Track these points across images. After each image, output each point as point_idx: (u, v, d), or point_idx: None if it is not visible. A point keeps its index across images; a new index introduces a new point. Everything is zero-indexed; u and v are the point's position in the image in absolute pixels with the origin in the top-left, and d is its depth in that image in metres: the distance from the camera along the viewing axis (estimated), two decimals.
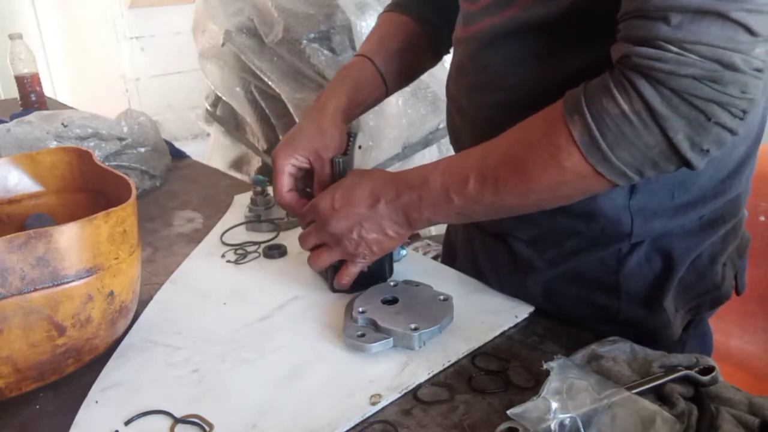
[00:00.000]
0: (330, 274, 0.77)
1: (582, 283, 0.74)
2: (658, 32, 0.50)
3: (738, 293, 0.80)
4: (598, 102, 0.53)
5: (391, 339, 0.66)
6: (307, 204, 0.75)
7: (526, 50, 0.67)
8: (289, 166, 0.79)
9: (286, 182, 0.79)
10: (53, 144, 1.09)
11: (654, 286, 0.72)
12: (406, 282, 0.75)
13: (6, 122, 1.14)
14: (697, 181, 0.68)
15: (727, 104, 0.50)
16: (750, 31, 0.48)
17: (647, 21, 0.50)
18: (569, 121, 0.55)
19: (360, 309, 0.69)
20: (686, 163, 0.54)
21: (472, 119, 0.77)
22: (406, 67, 0.90)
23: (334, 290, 0.78)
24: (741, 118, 0.52)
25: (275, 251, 0.89)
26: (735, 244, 0.77)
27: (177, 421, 0.57)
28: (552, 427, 0.48)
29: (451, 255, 0.96)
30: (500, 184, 0.61)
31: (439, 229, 1.98)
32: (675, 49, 0.49)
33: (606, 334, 0.70)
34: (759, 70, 0.50)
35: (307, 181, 0.81)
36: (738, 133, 0.53)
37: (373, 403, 0.58)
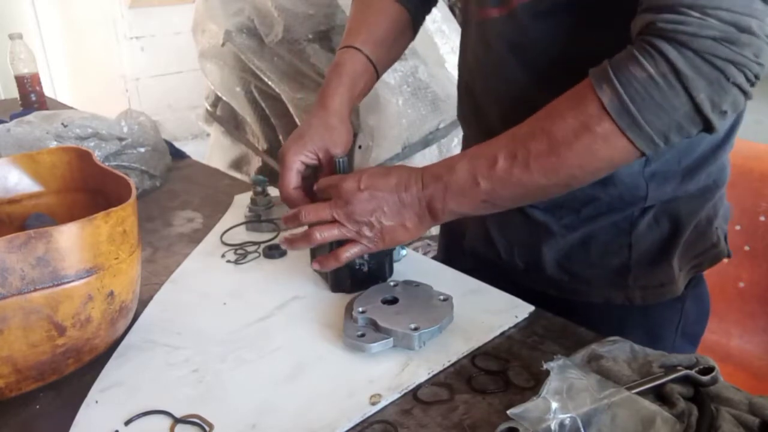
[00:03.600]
0: (330, 275, 0.77)
1: (596, 246, 0.78)
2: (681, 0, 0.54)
3: (727, 256, 0.85)
4: (625, 69, 0.57)
5: (391, 339, 0.66)
6: (323, 186, 0.75)
7: (559, 28, 0.69)
8: (298, 163, 0.79)
9: (293, 179, 0.79)
10: (53, 144, 1.09)
11: (662, 245, 0.77)
12: (406, 282, 0.75)
13: (6, 122, 1.14)
14: (698, 146, 0.74)
15: (743, 65, 0.54)
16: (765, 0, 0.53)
17: None
18: (598, 90, 0.58)
19: (360, 309, 0.69)
20: (707, 125, 0.57)
21: (502, 98, 0.78)
22: (392, 50, 0.92)
23: (334, 290, 0.78)
24: (752, 83, 0.56)
25: (275, 251, 0.89)
26: (722, 211, 0.83)
27: (177, 421, 0.57)
28: (552, 427, 0.48)
29: (455, 236, 0.96)
30: (531, 158, 0.62)
31: (439, 229, 1.98)
32: (696, 14, 0.53)
33: (612, 300, 0.78)
34: None
35: (313, 181, 0.81)
36: (751, 97, 0.56)
37: (373, 403, 0.58)
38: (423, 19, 0.96)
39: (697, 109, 0.56)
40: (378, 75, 0.90)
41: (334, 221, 0.71)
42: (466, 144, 0.95)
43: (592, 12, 0.67)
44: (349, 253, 0.71)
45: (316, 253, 0.77)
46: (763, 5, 0.53)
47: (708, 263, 0.82)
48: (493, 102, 0.81)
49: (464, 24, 0.87)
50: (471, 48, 0.84)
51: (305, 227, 0.74)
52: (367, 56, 0.87)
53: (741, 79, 0.55)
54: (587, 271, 0.79)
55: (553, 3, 0.69)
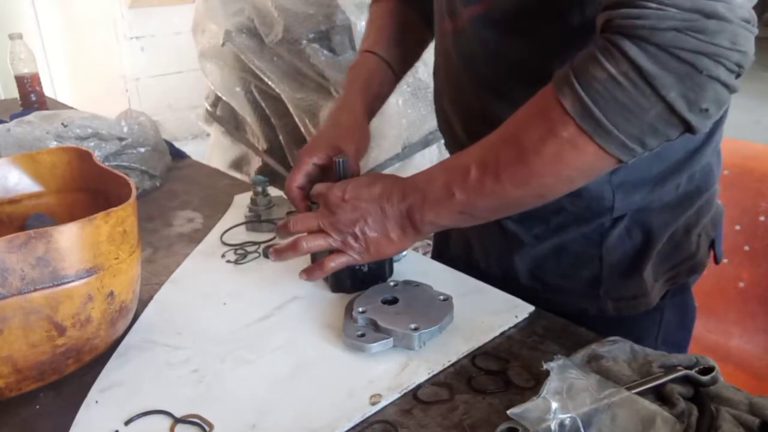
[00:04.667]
0: (330, 275, 0.77)
1: (567, 257, 0.78)
2: None
3: (716, 262, 0.84)
4: (586, 70, 0.53)
5: (391, 339, 0.66)
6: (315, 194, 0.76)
7: (507, 39, 0.69)
8: (308, 164, 0.80)
9: (298, 178, 0.80)
10: (53, 144, 1.09)
11: (634, 257, 0.76)
12: (406, 282, 0.75)
13: (6, 122, 1.14)
14: (672, 151, 0.71)
15: (718, 56, 0.49)
16: None
17: None
18: (560, 94, 0.54)
19: (360, 309, 0.69)
20: (687, 126, 0.52)
21: (463, 109, 0.80)
22: (409, 50, 0.93)
23: (334, 290, 0.78)
24: (736, 73, 0.51)
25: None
26: (710, 216, 0.80)
27: (177, 421, 0.57)
28: (552, 427, 0.48)
29: (443, 241, 0.98)
30: (501, 167, 0.59)
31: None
32: (654, 5, 0.49)
33: (586, 311, 0.77)
34: (747, 21, 0.49)
35: (322, 181, 0.82)
36: (737, 90, 0.51)
37: (373, 403, 0.58)
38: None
39: (671, 109, 0.51)
40: (396, 73, 0.91)
41: (320, 231, 0.71)
42: (447, 150, 0.97)
43: (544, 21, 0.66)
44: (334, 263, 0.71)
45: (316, 258, 0.78)
46: None
47: (685, 274, 0.80)
48: (457, 113, 0.82)
49: (435, 34, 0.88)
50: (437, 58, 0.86)
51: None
52: (380, 57, 0.88)
53: (719, 71, 0.49)
54: (559, 282, 0.80)
55: (503, 13, 0.68)
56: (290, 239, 0.72)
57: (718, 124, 0.74)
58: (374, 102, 0.88)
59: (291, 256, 0.72)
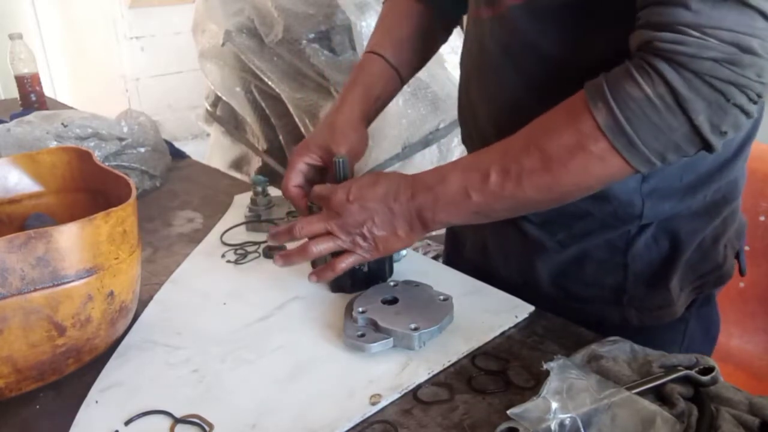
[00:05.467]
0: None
1: (590, 264, 0.76)
2: (678, 18, 0.52)
3: (741, 273, 0.83)
4: (621, 88, 0.55)
5: (391, 339, 0.66)
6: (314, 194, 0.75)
7: (551, 31, 0.68)
8: (301, 164, 0.81)
9: (294, 177, 0.80)
10: (53, 144, 1.09)
11: (661, 266, 0.74)
12: (406, 282, 0.75)
13: (6, 122, 1.14)
14: (702, 162, 0.70)
15: (745, 86, 0.52)
16: (764, 16, 0.51)
17: (667, 7, 0.53)
18: (593, 107, 0.56)
19: (360, 309, 0.69)
20: (707, 145, 0.55)
21: (493, 99, 0.77)
22: (417, 52, 0.91)
23: (334, 290, 0.78)
24: (755, 102, 0.54)
25: (275, 251, 0.89)
26: (734, 227, 0.79)
27: (177, 421, 0.57)
28: (552, 427, 0.48)
29: (456, 245, 0.96)
30: (524, 175, 0.60)
31: (440, 230, 1.98)
32: (696, 34, 0.51)
33: (608, 320, 0.75)
34: None
35: (318, 182, 0.82)
36: (754, 116, 0.55)
37: (373, 403, 0.58)
38: (456, 15, 0.93)
39: (696, 130, 0.54)
40: (402, 77, 0.89)
41: (328, 233, 0.71)
42: (463, 142, 0.95)
43: (585, 16, 0.65)
44: (344, 263, 0.71)
45: (316, 261, 0.78)
46: (764, 23, 0.51)
47: (712, 285, 0.79)
48: (486, 102, 0.80)
49: (467, 20, 0.86)
50: (468, 46, 0.83)
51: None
52: (386, 60, 0.87)
53: (743, 100, 0.53)
54: (582, 289, 0.78)
55: (545, 6, 0.67)
56: (299, 244, 0.72)
57: (749, 137, 0.74)
58: (374, 106, 0.86)
59: (300, 261, 0.73)
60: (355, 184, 0.70)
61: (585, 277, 0.77)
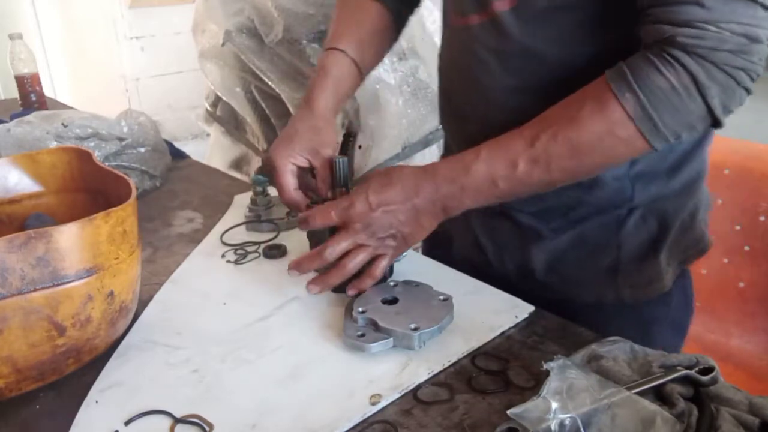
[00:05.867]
0: None
1: (586, 246, 0.80)
2: (696, 15, 0.58)
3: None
4: (647, 77, 0.61)
5: (391, 339, 0.66)
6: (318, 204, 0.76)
7: (542, 34, 0.71)
8: (290, 165, 0.80)
9: (291, 181, 0.80)
10: (53, 144, 1.09)
11: (650, 243, 0.79)
12: (406, 282, 0.75)
13: (6, 122, 1.14)
14: (680, 144, 0.76)
15: (751, 70, 0.60)
16: (765, 7, 0.58)
17: (683, 6, 0.58)
18: (620, 97, 0.61)
19: (360, 309, 0.69)
20: (716, 123, 0.63)
21: (484, 104, 0.79)
22: (376, 52, 0.93)
23: (334, 290, 0.78)
24: (754, 80, 0.61)
25: (275, 251, 0.89)
26: (705, 203, 0.85)
27: (177, 421, 0.57)
28: (552, 427, 0.48)
29: (442, 241, 0.95)
30: (552, 162, 0.65)
31: None
32: (713, 29, 0.58)
33: (603, 300, 0.80)
34: None
35: (304, 182, 0.83)
36: (752, 93, 0.62)
37: (373, 403, 0.58)
38: (406, 19, 0.96)
39: (710, 111, 0.61)
40: (362, 74, 0.90)
41: (358, 246, 0.71)
42: (446, 152, 0.96)
43: (573, 17, 0.68)
44: (380, 267, 0.73)
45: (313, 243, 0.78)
46: (764, 12, 0.58)
47: (694, 257, 0.84)
48: (474, 108, 0.81)
49: (443, 29, 0.87)
50: (449, 54, 0.85)
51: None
52: (351, 58, 0.87)
53: (748, 82, 0.60)
54: (577, 272, 0.81)
55: (534, 9, 0.70)
56: (330, 265, 0.72)
57: None
58: (340, 103, 0.88)
59: (338, 281, 0.73)
60: (370, 190, 0.70)
61: (581, 260, 0.80)
